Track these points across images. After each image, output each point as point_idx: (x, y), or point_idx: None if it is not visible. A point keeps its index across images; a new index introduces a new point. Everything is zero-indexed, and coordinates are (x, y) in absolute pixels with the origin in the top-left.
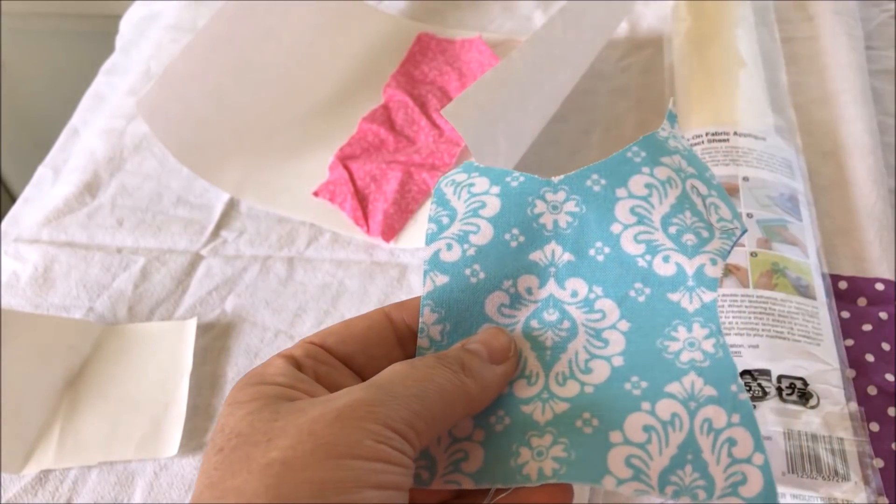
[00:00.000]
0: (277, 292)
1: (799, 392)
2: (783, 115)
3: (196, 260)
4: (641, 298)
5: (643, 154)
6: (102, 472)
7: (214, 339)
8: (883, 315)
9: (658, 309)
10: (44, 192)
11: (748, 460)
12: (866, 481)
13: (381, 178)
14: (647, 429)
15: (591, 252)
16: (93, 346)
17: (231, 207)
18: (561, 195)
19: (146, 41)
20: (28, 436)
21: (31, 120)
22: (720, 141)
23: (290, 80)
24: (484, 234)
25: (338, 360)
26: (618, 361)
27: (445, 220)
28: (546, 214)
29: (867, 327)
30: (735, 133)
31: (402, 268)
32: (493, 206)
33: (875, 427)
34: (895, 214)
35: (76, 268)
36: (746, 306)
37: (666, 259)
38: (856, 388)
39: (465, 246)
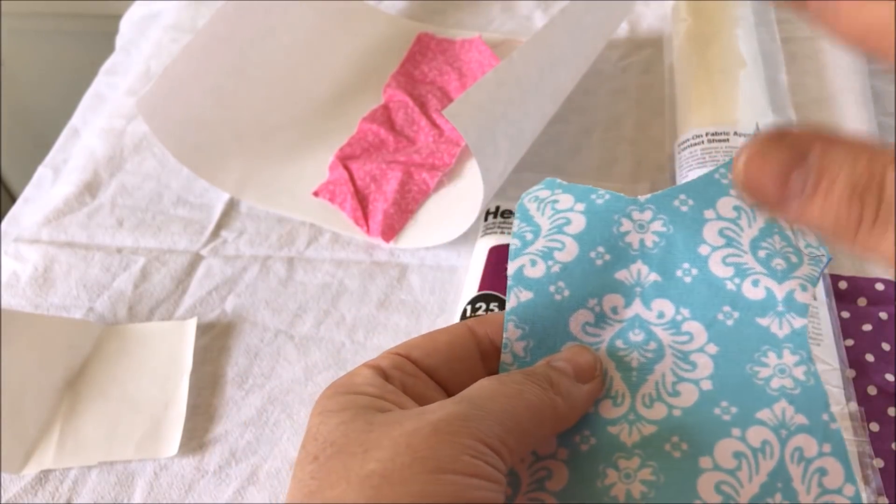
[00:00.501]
0: (277, 292)
1: None
2: (783, 115)
3: (196, 260)
4: (730, 322)
5: (730, 176)
6: (102, 472)
7: (214, 339)
8: (883, 315)
9: (747, 333)
10: (44, 192)
11: (839, 491)
12: (866, 481)
13: (381, 178)
14: (737, 455)
15: (679, 273)
16: (93, 346)
17: (231, 207)
18: (648, 214)
19: (146, 41)
20: (28, 436)
21: (31, 120)
22: (720, 141)
23: (290, 79)
24: (569, 251)
25: (423, 373)
26: (706, 385)
27: (529, 237)
28: (632, 233)
29: (867, 327)
30: (735, 133)
31: (403, 268)
32: (579, 223)
33: (875, 427)
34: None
35: (76, 268)
36: None
37: (755, 283)
38: (856, 388)
39: (550, 262)
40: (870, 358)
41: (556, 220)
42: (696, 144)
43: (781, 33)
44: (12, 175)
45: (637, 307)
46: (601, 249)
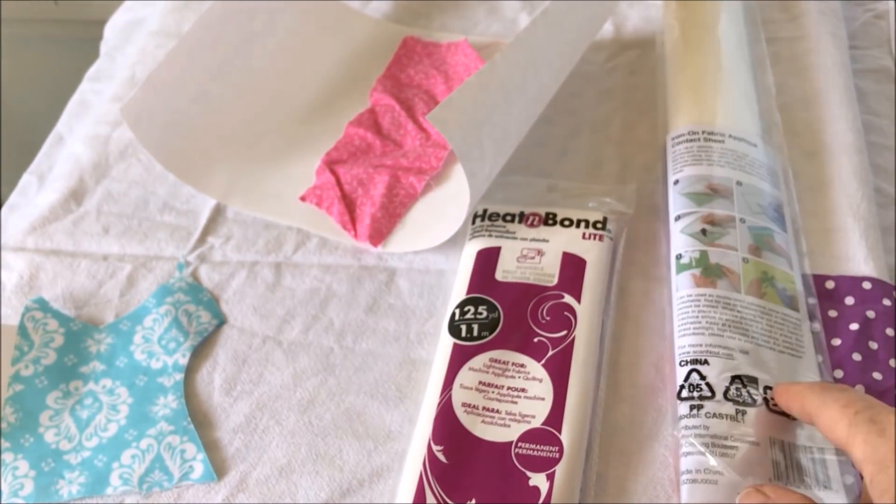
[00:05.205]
0: (265, 298)
1: None
2: (770, 117)
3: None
4: (141, 384)
5: (154, 300)
6: None
7: (202, 346)
8: (870, 314)
9: (151, 388)
10: (29, 199)
11: (193, 459)
12: (849, 489)
13: (368, 182)
14: (133, 457)
15: (117, 362)
16: None
17: (217, 213)
18: (103, 335)
19: (131, 47)
20: None
21: (16, 126)
22: (716, 142)
23: (276, 84)
24: (50, 358)
25: None
26: (123, 422)
27: (26, 349)
28: (92, 345)
29: (854, 326)
30: (730, 136)
31: (391, 272)
32: (59, 340)
33: None
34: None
35: (62, 275)
36: (738, 311)
37: (157, 359)
38: None
39: (38, 367)
40: (857, 357)
41: (45, 338)
42: (691, 141)
43: (766, 33)
44: None
45: (91, 385)
46: (72, 356)
